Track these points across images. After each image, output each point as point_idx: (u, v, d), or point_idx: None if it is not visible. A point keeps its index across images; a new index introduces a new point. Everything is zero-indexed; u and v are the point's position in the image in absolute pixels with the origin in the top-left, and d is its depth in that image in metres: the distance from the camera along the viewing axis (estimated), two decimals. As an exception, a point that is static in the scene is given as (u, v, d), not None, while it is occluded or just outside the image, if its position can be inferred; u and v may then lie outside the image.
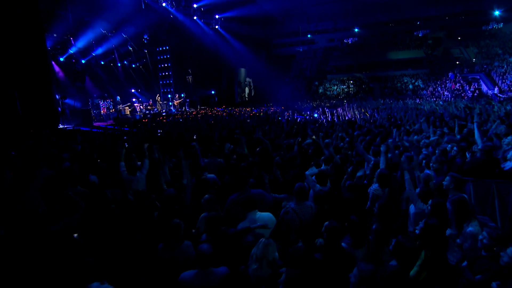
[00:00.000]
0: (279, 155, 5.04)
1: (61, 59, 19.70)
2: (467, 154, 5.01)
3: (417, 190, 3.23)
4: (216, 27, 21.20)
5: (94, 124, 15.34)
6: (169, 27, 19.76)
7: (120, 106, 17.22)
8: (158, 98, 20.42)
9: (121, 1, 15.35)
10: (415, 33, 25.45)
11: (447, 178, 3.13)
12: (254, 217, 3.01)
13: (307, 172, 3.70)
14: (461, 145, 4.91)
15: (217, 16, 20.55)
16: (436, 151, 4.50)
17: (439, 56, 29.16)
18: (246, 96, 33.71)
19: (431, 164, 3.85)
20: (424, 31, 24.30)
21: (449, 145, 4.99)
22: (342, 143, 5.73)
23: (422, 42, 29.93)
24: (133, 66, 25.83)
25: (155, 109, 20.33)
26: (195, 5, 17.70)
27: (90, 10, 16.27)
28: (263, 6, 24.59)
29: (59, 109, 16.95)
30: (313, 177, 3.80)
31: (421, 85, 28.43)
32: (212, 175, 4.58)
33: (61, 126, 14.15)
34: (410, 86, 28.80)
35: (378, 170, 3.51)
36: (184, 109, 21.16)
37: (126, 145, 7.03)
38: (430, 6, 26.00)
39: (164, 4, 15.63)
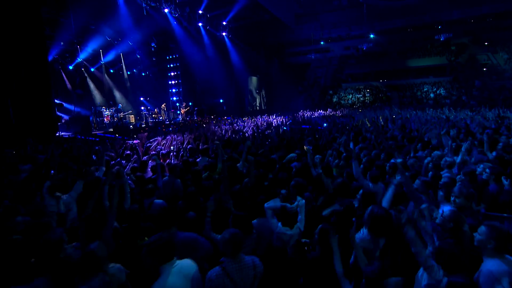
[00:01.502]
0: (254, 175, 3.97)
1: (70, 67, 19.79)
2: (503, 179, 3.73)
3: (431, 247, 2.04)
4: (224, 34, 20.61)
5: (93, 132, 14.96)
6: (177, 35, 19.40)
7: (122, 114, 16.84)
8: (163, 106, 19.97)
9: (124, 9, 15.08)
10: (436, 37, 23.56)
11: (483, 229, 1.93)
12: (170, 271, 1.98)
13: (267, 205, 2.61)
14: (494, 167, 3.63)
15: (224, 23, 20.00)
16: (460, 177, 3.27)
17: (464, 63, 27.10)
18: (258, 105, 32.89)
19: (452, 198, 2.63)
20: (446, 35, 22.40)
21: (480, 166, 3.71)
22: (336, 161, 4.57)
23: (445, 48, 28.04)
24: (143, 74, 25.83)
25: (160, 118, 19.86)
26: (200, 11, 17.22)
27: (95, 18, 16.14)
28: (273, 13, 23.87)
29: (61, 115, 16.87)
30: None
31: (443, 94, 26.42)
32: (159, 201, 3.58)
33: (62, 134, 13.85)
34: (432, 95, 26.86)
35: (370, 207, 2.34)
36: (191, 118, 20.56)
37: (94, 158, 6.25)
38: (452, 9, 23.90)
39: (166, 10, 15.20)
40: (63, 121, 14.80)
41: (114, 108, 16.95)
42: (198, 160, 5.74)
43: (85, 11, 14.49)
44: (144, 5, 14.27)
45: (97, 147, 6.69)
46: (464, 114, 12.35)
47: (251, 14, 22.65)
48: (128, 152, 6.29)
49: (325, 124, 15.29)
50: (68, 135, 13.57)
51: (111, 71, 22.99)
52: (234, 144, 6.75)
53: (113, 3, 14.20)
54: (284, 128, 14.60)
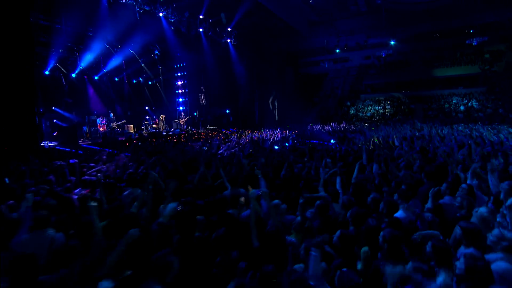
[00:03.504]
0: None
1: (73, 75, 19.39)
2: None
3: None
4: (228, 40, 19.41)
5: (81, 142, 14.03)
6: (178, 42, 18.45)
7: (114, 124, 15.89)
8: (162, 117, 18.93)
9: (120, 14, 14.23)
10: (467, 42, 20.73)
11: None
12: None
13: None
14: None
15: (229, 29, 18.81)
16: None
17: (500, 72, 24.05)
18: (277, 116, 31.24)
19: None
20: (480, 38, 19.56)
21: None
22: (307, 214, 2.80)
23: (477, 56, 25.15)
24: (149, 83, 25.27)
25: (160, 128, 18.83)
26: (201, 16, 16.11)
27: (92, 24, 15.47)
28: (285, 19, 22.42)
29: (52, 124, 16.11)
30: None
31: (476, 106, 23.47)
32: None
33: (44, 144, 13.01)
34: (462, 108, 23.96)
35: None
36: (190, 129, 19.37)
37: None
38: (485, 11, 20.62)
39: (161, 15, 14.19)
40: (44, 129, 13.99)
41: (106, 118, 16.05)
42: (124, 193, 4.19)
43: (79, 17, 13.81)
44: (137, 8, 13.32)
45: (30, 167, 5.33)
46: (506, 131, 9.95)
47: (260, 20, 21.35)
48: (51, 177, 4.85)
49: (332, 140, 13.39)
50: (49, 145, 12.66)
51: (116, 79, 22.51)
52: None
53: (108, 8, 13.37)
54: (286, 144, 12.92)
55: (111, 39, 16.50)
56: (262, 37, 23.91)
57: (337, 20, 27.11)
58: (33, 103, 12.17)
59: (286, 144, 12.84)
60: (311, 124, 20.87)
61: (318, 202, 3.16)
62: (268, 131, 15.60)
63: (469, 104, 23.98)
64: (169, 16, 14.62)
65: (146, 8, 13.62)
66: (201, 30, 16.69)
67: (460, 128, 14.51)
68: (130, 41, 17.33)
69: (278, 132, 14.72)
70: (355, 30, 27.06)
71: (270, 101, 27.68)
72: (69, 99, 15.49)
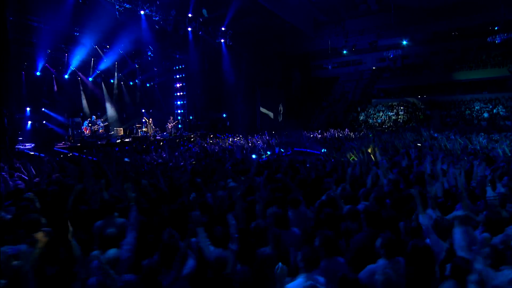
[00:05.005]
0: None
1: (66, 76, 19.13)
2: None
3: None
4: (222, 41, 18.35)
5: (58, 145, 13.39)
6: (171, 43, 17.66)
7: (96, 127, 15.21)
8: (150, 120, 18.13)
9: (102, 13, 13.55)
10: (489, 39, 18.20)
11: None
12: None
13: None
14: None
15: (223, 29, 17.76)
16: None
17: (532, 75, 21.35)
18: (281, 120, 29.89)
19: None
20: (504, 35, 17.03)
21: None
22: None
23: (505, 58, 22.49)
24: (147, 85, 24.76)
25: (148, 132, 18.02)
26: (190, 15, 15.14)
27: (78, 24, 14.97)
28: (288, 20, 21.10)
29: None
30: None
31: (502, 114, 20.83)
32: None
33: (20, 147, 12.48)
34: (486, 115, 21.37)
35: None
36: (181, 134, 18.42)
37: None
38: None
39: (142, 12, 13.37)
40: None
41: (88, 120, 15.42)
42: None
43: (56, 15, 13.24)
44: (116, 6, 12.56)
45: None
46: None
47: (261, 20, 20.17)
48: None
49: (324, 150, 11.83)
50: (18, 148, 12.06)
51: (112, 81, 22.11)
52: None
53: (82, 6, 12.69)
54: (268, 152, 11.55)
55: (98, 39, 15.94)
56: (263, 38, 22.68)
57: (345, 20, 25.41)
58: (1, 104, 11.65)
59: (268, 153, 11.47)
60: (308, 131, 19.25)
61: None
62: (256, 137, 14.24)
63: (494, 110, 21.36)
64: (153, 14, 13.77)
65: (127, 6, 12.83)
66: (189, 29, 15.72)
67: (480, 138, 12.31)
68: (118, 42, 16.70)
69: (265, 138, 13.30)
70: (366, 30, 25.19)
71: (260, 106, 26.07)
72: (46, 100, 15.01)
